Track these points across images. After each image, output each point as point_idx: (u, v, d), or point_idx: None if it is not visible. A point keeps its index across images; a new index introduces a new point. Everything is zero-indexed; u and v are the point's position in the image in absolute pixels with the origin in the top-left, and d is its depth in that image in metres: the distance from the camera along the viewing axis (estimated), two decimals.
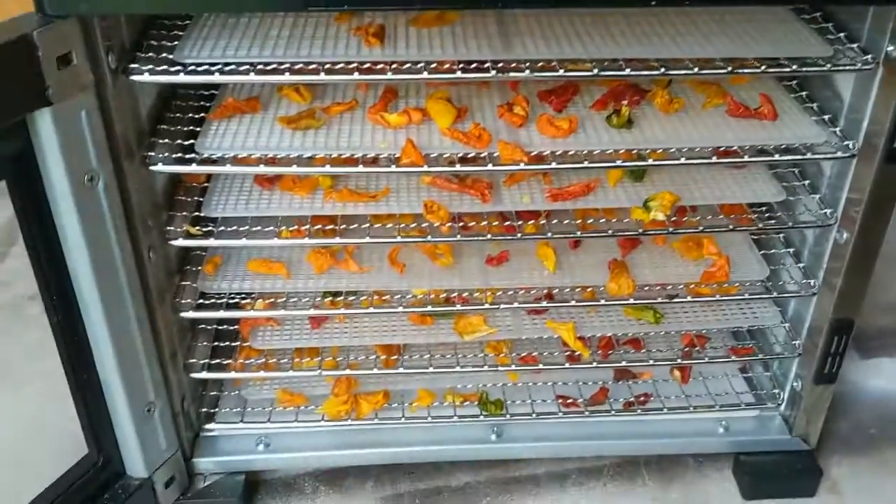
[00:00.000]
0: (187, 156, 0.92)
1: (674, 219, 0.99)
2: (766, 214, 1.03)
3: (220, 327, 1.14)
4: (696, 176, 1.04)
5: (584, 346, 1.08)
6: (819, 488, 1.14)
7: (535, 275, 1.07)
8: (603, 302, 1.05)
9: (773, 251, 1.12)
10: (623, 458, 1.18)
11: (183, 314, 1.00)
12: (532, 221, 1.00)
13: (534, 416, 1.11)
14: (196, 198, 1.02)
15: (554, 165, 0.92)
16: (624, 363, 1.09)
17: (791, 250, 1.09)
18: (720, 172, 1.04)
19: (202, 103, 1.03)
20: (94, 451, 0.98)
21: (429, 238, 0.97)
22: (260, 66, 0.87)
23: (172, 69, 0.86)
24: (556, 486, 1.15)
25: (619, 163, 0.93)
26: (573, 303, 1.04)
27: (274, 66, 0.87)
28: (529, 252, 1.09)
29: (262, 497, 1.13)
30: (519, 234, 0.97)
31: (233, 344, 1.12)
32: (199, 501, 1.08)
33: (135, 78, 0.84)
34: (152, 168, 0.89)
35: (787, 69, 0.89)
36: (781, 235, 1.11)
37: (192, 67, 0.86)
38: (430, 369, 1.08)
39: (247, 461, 1.09)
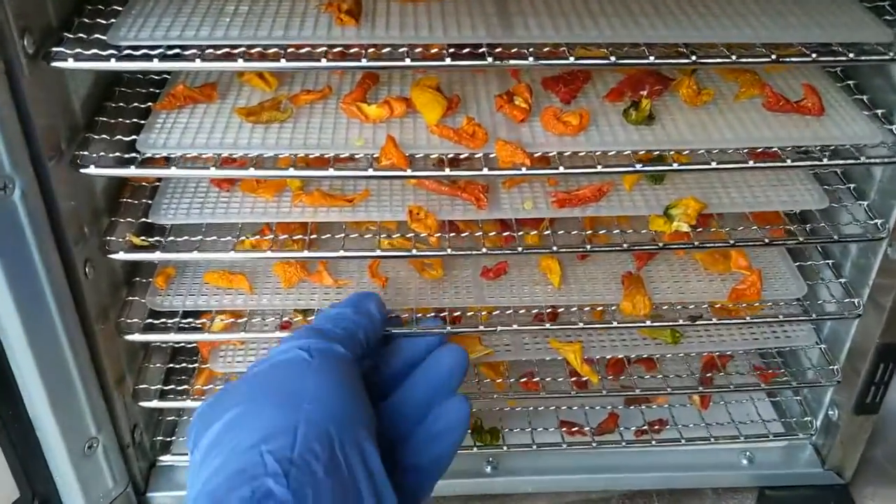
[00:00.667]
0: (128, 155, 0.77)
1: (699, 230, 0.85)
2: (804, 223, 0.89)
3: (176, 345, 1.01)
4: (724, 177, 0.90)
5: (593, 371, 0.94)
6: None
7: (538, 290, 0.93)
8: (615, 324, 0.90)
9: (808, 262, 0.98)
10: (633, 490, 1.05)
11: (128, 337, 0.87)
12: (535, 232, 0.86)
13: (534, 447, 0.98)
14: (145, 200, 0.88)
15: (561, 170, 0.77)
16: (638, 390, 0.96)
17: (830, 262, 0.95)
18: (752, 173, 0.90)
19: (151, 90, 0.88)
20: (27, 493, 0.85)
21: (413, 252, 0.83)
22: (210, 51, 0.73)
23: (104, 54, 0.71)
24: None
25: (638, 167, 0.78)
26: (580, 324, 0.90)
27: (227, 49, 0.73)
28: (531, 263, 0.96)
29: None
30: (520, 248, 0.83)
31: (191, 365, 0.99)
32: None
33: (57, 65, 0.70)
34: (84, 171, 0.75)
35: (843, 58, 0.74)
36: (819, 245, 0.97)
37: (128, 52, 0.72)
38: None
39: None
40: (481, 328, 0.89)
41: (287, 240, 0.86)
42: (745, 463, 1.00)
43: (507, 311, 0.91)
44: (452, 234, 0.85)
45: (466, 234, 0.85)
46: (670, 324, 0.91)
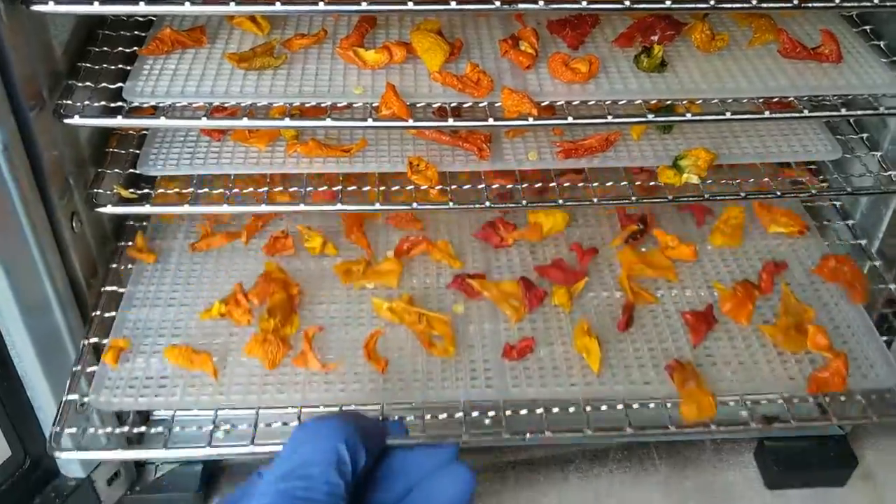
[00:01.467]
0: (114, 104, 0.73)
1: (709, 181, 0.82)
2: (816, 172, 0.87)
3: None
4: (736, 126, 0.87)
5: None
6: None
7: (574, 375, 0.78)
8: (673, 429, 0.74)
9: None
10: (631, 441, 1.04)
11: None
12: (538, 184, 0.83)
13: None
14: (132, 149, 0.84)
15: (570, 120, 0.74)
16: None
17: (838, 204, 0.93)
18: (764, 123, 0.87)
19: (137, 33, 0.84)
20: (18, 452, 0.83)
21: (414, 206, 0.80)
22: None
23: None
24: (558, 471, 1.01)
25: (649, 117, 0.75)
26: (629, 430, 0.74)
27: None
28: (563, 338, 0.81)
29: (224, 486, 0.99)
30: (524, 202, 0.80)
31: None
32: (149, 496, 0.94)
33: (37, 8, 0.65)
34: (67, 122, 0.71)
35: (869, 2, 0.70)
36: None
37: None
38: None
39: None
40: (505, 437, 0.73)
41: (276, 240, 0.88)
42: (745, 414, 0.99)
43: (538, 411, 0.75)
44: (454, 187, 0.81)
45: (468, 186, 0.81)
46: (742, 432, 0.80)
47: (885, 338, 0.84)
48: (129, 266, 0.87)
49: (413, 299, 0.83)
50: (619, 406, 0.75)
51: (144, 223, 0.91)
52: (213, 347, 0.79)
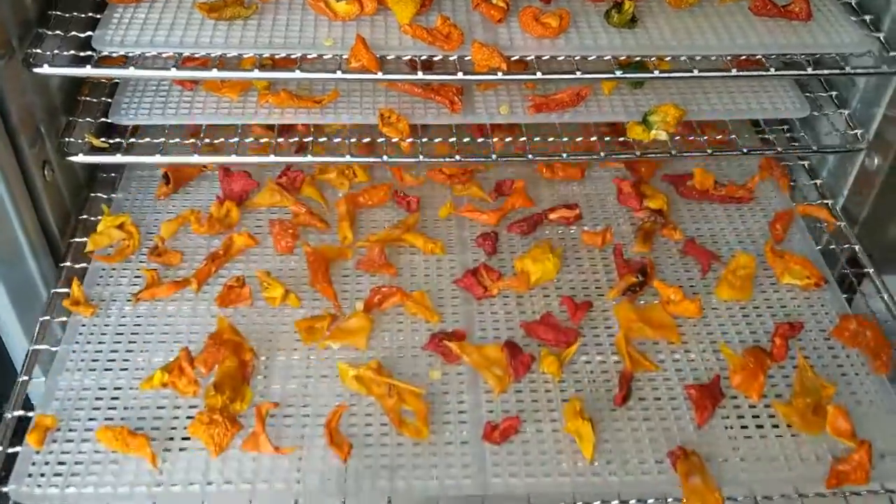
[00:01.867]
0: (83, 53, 0.73)
1: (677, 138, 0.83)
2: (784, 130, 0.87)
3: None
4: (706, 83, 0.87)
5: None
6: None
7: (564, 463, 0.67)
8: None
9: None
10: None
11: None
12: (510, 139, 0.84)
13: None
14: (104, 98, 0.84)
15: (539, 76, 0.75)
16: None
17: (805, 164, 0.94)
18: (733, 80, 0.87)
19: None
20: None
21: (384, 158, 0.80)
22: None
23: None
24: None
25: (618, 73, 0.75)
26: None
27: None
28: (553, 413, 0.70)
29: None
30: (494, 156, 0.81)
31: None
32: None
33: None
34: (37, 71, 0.71)
35: None
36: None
37: None
38: None
39: None
40: None
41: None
42: None
43: None
44: (425, 140, 0.82)
45: (439, 139, 0.82)
46: None
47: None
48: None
49: (382, 365, 0.71)
50: (615, 503, 0.66)
51: (114, 174, 0.90)
52: (154, 423, 0.68)
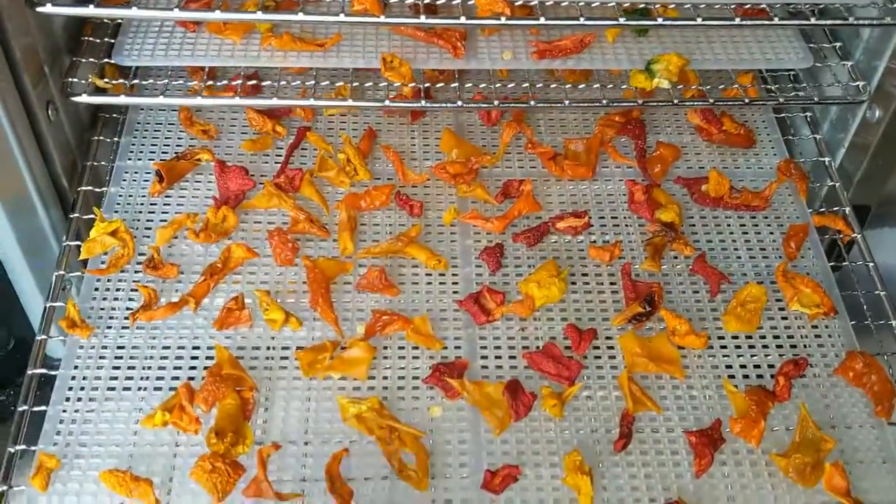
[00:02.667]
0: None
1: (680, 87, 0.83)
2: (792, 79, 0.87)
3: None
4: (710, 32, 0.87)
5: None
6: None
7: None
8: None
9: (781, 115, 0.96)
10: None
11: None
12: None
13: None
14: (107, 38, 0.84)
15: (543, 21, 0.74)
16: None
17: (807, 116, 0.94)
18: (738, 28, 0.87)
19: None
20: (4, 335, 0.86)
21: (386, 103, 0.81)
22: None
23: None
24: None
25: (622, 20, 0.75)
26: None
27: None
28: (553, 457, 0.69)
29: None
30: (496, 102, 0.81)
31: None
32: None
33: None
34: (39, 10, 0.71)
35: None
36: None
37: None
38: None
39: None
40: None
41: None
42: None
43: None
44: (426, 87, 0.82)
45: (441, 84, 0.82)
46: None
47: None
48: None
49: (383, 403, 0.71)
50: None
51: (116, 115, 0.90)
52: (158, 461, 0.68)
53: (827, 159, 0.90)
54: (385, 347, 0.75)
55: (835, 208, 0.87)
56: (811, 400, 0.73)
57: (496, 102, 0.81)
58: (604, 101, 0.82)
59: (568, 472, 0.67)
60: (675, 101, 0.82)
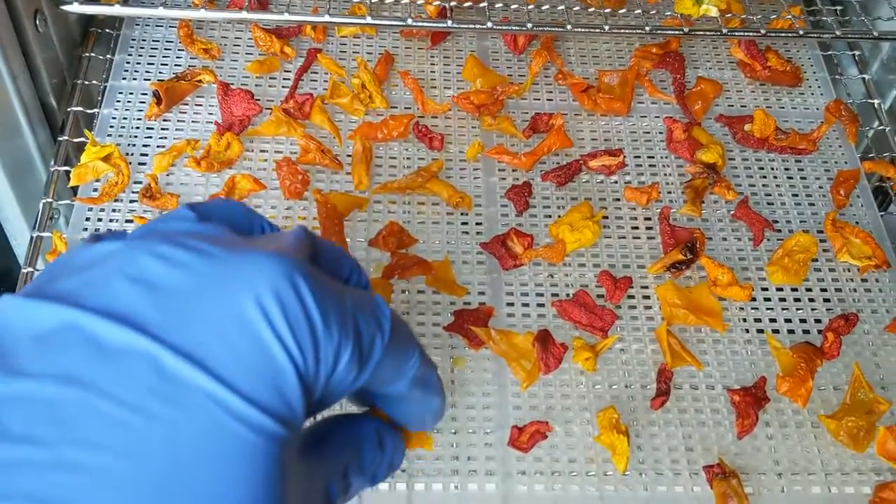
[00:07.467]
0: None
1: (729, 15, 0.76)
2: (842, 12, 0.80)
3: None
4: None
5: None
6: None
7: (593, 470, 0.62)
8: None
9: (828, 52, 0.89)
10: None
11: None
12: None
13: None
14: None
15: None
16: None
17: (854, 54, 0.88)
18: None
19: None
20: None
21: (409, 22, 0.73)
22: None
23: None
24: None
25: None
26: None
27: None
28: (584, 412, 0.64)
29: None
30: (530, 25, 0.74)
31: None
32: None
33: None
34: None
35: None
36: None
37: None
38: None
39: None
40: None
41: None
42: None
43: None
44: (454, 3, 0.75)
45: (468, 4, 0.75)
46: None
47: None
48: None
49: None
50: None
51: (109, 30, 0.83)
52: None
53: (877, 101, 0.84)
54: (403, 291, 0.69)
55: (884, 154, 0.81)
56: (861, 358, 0.68)
57: (529, 26, 0.74)
58: (647, 28, 0.75)
59: (602, 429, 0.62)
60: (725, 31, 0.75)
